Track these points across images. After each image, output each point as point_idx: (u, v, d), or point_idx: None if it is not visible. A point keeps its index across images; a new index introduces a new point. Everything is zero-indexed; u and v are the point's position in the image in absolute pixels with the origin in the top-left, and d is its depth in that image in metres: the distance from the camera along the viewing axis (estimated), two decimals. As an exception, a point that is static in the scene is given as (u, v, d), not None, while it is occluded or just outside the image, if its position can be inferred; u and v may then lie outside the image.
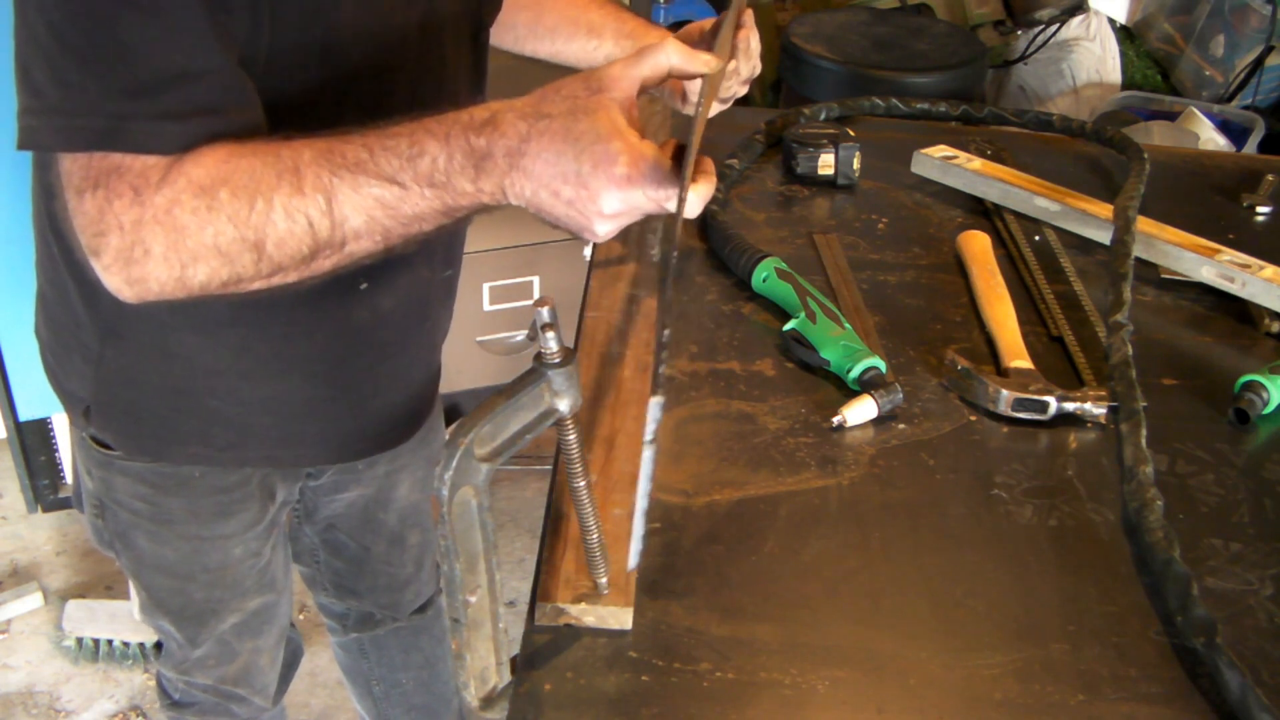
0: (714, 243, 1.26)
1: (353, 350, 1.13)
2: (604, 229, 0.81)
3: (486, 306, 2.53)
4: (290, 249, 0.81)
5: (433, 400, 1.34)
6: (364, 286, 1.07)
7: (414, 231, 0.83)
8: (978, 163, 1.42)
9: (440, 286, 1.20)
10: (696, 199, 0.84)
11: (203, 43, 0.81)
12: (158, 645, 1.48)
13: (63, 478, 2.43)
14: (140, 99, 0.80)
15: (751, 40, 1.28)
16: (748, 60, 1.28)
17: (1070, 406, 1.03)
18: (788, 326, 1.10)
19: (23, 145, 0.82)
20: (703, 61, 0.87)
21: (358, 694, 1.66)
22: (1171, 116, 2.70)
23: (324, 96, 0.93)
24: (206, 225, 0.80)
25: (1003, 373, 1.08)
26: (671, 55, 0.85)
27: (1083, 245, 1.32)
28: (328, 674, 2.17)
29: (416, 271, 1.13)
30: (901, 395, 1.03)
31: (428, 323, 1.21)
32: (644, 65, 0.84)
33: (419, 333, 1.20)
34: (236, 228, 0.80)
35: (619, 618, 0.81)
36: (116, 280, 0.82)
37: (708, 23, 1.23)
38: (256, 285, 0.84)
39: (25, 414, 2.25)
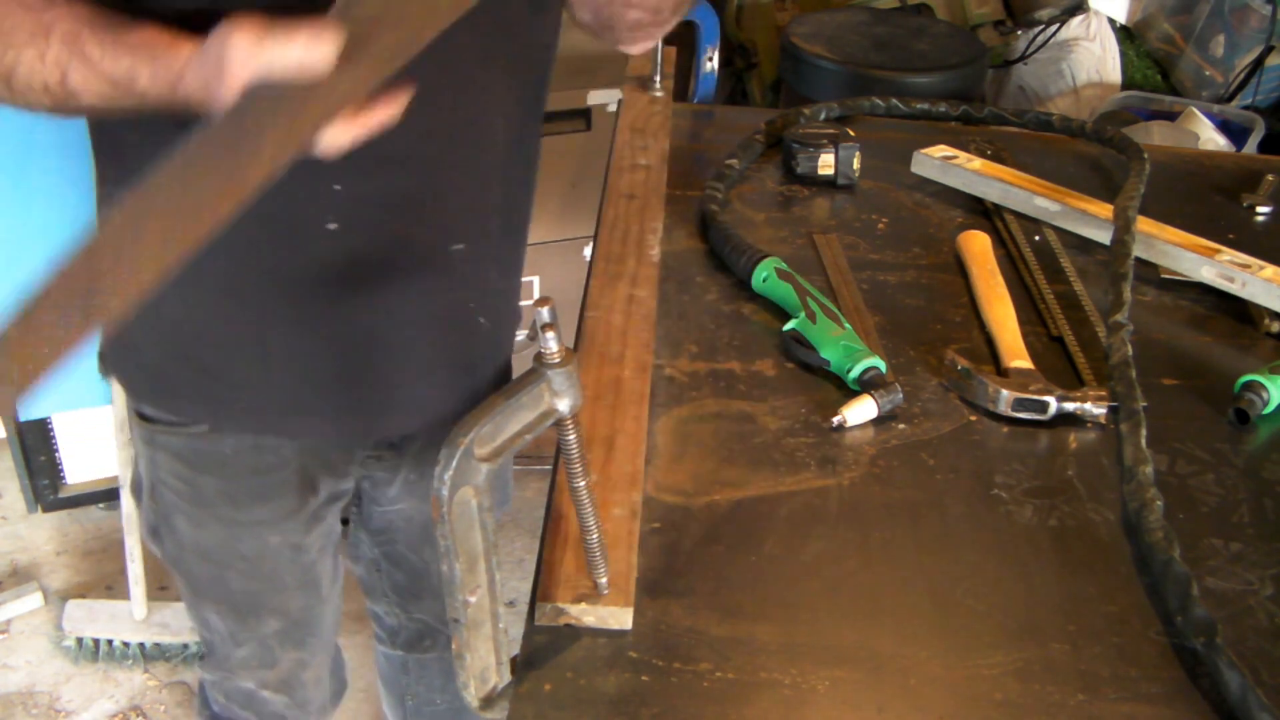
0: (714, 243, 1.26)
1: (330, 304, 1.06)
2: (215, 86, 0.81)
3: (486, 306, 2.52)
4: (30, 95, 0.89)
5: (462, 403, 1.21)
6: (332, 226, 1.02)
7: (123, 98, 0.87)
8: (978, 163, 1.42)
9: (445, 260, 1.10)
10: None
11: None
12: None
13: (63, 478, 2.44)
14: None
15: None
16: None
17: (1070, 406, 1.03)
18: (788, 326, 1.10)
19: None
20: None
21: (390, 701, 1.64)
22: (1171, 116, 2.70)
23: None
24: None
25: (1003, 373, 1.08)
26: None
27: (1083, 245, 1.32)
28: (328, 674, 2.17)
29: (401, 223, 1.05)
30: (901, 395, 1.03)
31: (425, 296, 1.11)
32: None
33: (415, 304, 1.10)
34: None
35: (619, 618, 0.81)
36: None
37: None
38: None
39: (25, 414, 2.25)
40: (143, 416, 1.17)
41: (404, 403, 1.17)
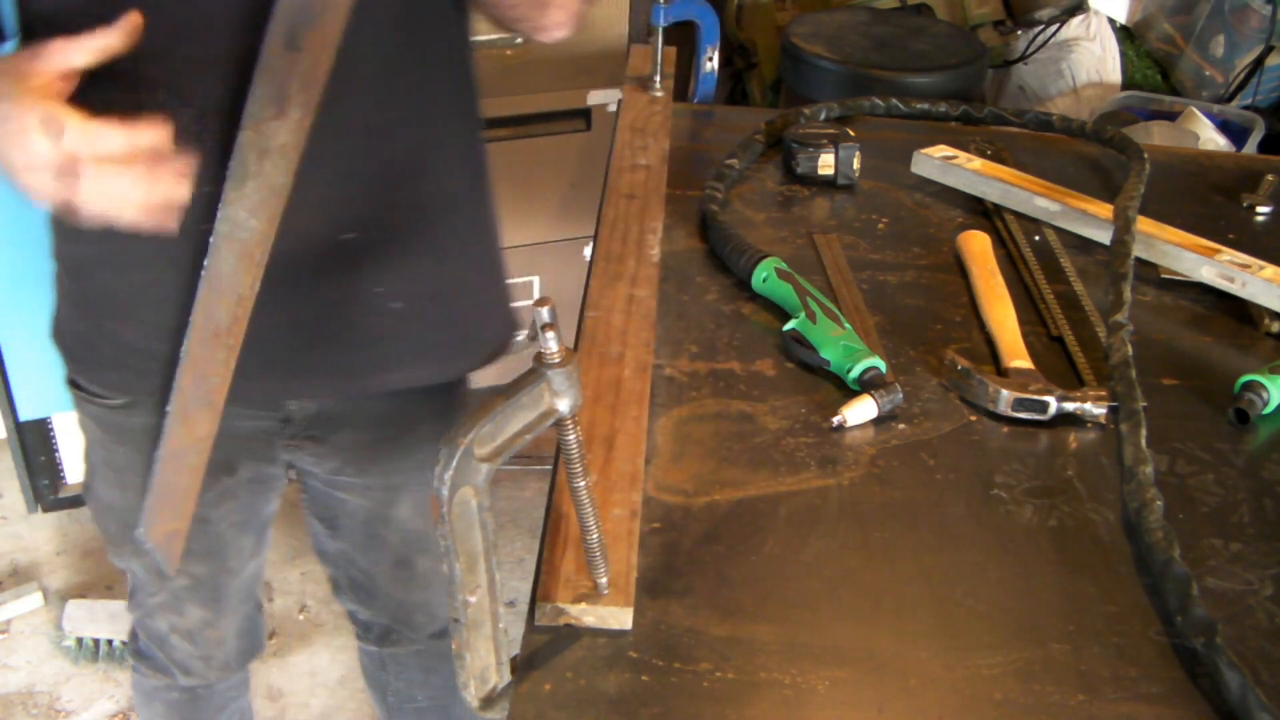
0: (714, 243, 1.26)
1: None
2: (28, 184, 0.87)
3: (486, 306, 2.53)
4: None
5: (375, 383, 1.23)
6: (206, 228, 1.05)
7: None
8: (978, 163, 1.42)
9: (340, 249, 1.11)
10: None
11: None
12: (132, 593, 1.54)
13: (63, 478, 2.44)
14: None
15: None
16: None
17: (1070, 406, 1.03)
18: (788, 326, 1.10)
19: None
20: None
21: (375, 697, 1.66)
22: (1171, 116, 2.70)
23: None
24: None
25: (1003, 373, 1.08)
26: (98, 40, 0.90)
27: (1083, 245, 1.32)
28: (328, 674, 2.17)
29: (304, 216, 1.06)
30: (901, 395, 1.03)
31: (324, 283, 1.12)
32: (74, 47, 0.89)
33: (313, 289, 1.12)
34: None
35: (619, 618, 0.81)
36: None
37: None
38: None
39: (25, 414, 2.25)
40: (73, 384, 1.24)
41: (309, 386, 1.21)
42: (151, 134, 0.88)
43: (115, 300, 1.14)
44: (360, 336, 1.18)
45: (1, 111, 0.86)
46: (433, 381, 1.26)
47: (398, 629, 1.51)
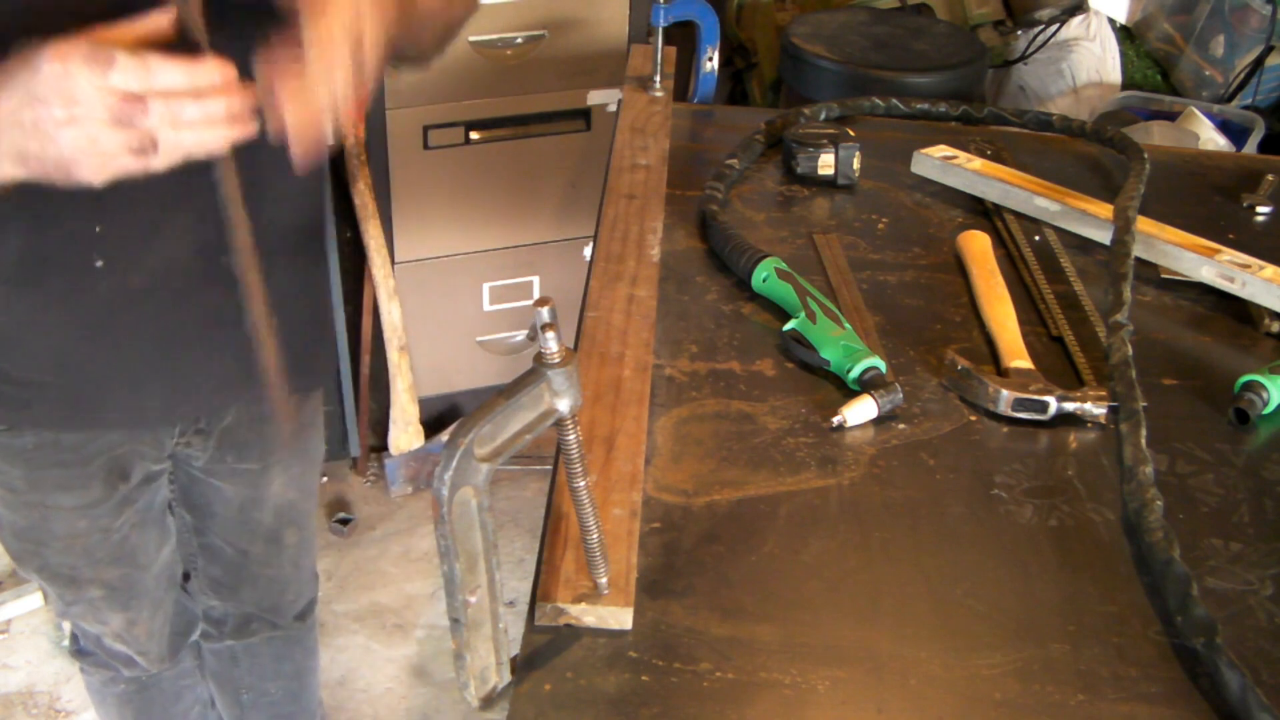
0: (714, 243, 1.26)
1: (110, 318, 1.11)
2: (68, 140, 0.77)
3: (486, 306, 2.53)
4: None
5: (256, 382, 1.22)
6: (99, 264, 1.07)
7: None
8: (978, 163, 1.42)
9: (216, 272, 1.10)
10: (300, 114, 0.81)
11: None
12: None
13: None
14: None
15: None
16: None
17: (1070, 406, 1.03)
18: (788, 326, 1.10)
19: None
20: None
21: (224, 701, 1.65)
22: (1171, 116, 2.70)
23: None
24: None
25: (1003, 373, 1.08)
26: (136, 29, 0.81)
27: (1083, 245, 1.32)
28: (328, 674, 2.17)
29: (166, 250, 1.09)
30: (901, 395, 1.03)
31: (202, 301, 1.15)
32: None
33: (191, 308, 1.15)
34: None
35: (619, 618, 0.81)
36: None
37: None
38: None
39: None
40: None
41: (197, 391, 1.22)
42: (213, 68, 0.81)
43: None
44: (241, 342, 1.17)
45: (34, 71, 0.77)
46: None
47: (260, 615, 1.53)
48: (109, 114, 0.77)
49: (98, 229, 1.05)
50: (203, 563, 1.49)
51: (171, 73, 0.78)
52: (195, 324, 1.17)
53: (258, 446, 1.35)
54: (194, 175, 1.01)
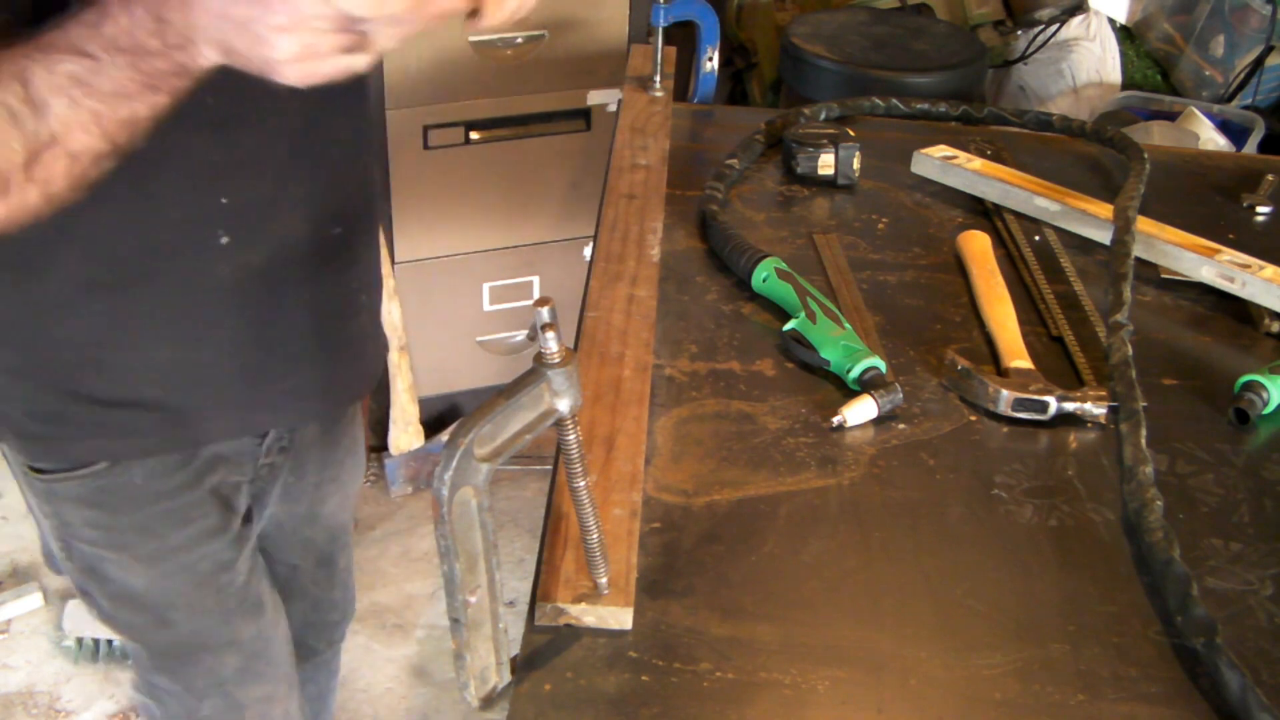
0: (714, 243, 1.26)
1: (226, 310, 1.06)
2: (284, 46, 0.69)
3: (486, 306, 2.53)
4: (3, 149, 0.73)
5: (357, 382, 1.25)
6: (224, 240, 1.01)
7: (127, 115, 0.74)
8: (978, 163, 1.42)
9: (328, 246, 1.11)
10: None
11: None
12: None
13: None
14: None
15: None
16: None
17: (1070, 406, 1.03)
18: (788, 326, 1.10)
19: None
20: None
21: None
22: (1171, 116, 2.70)
23: None
24: None
25: (1003, 373, 1.08)
26: None
27: (1083, 245, 1.32)
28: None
29: (285, 222, 1.05)
30: (901, 395, 1.03)
31: (316, 285, 1.11)
32: None
33: (307, 294, 1.11)
34: None
35: (619, 618, 0.81)
36: None
37: None
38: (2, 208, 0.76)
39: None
40: (36, 470, 1.10)
41: (301, 388, 1.16)
42: None
43: (91, 351, 1.04)
44: (349, 338, 1.19)
45: None
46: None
47: (309, 638, 1.46)
48: (333, 25, 0.70)
49: (223, 200, 0.99)
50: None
51: None
52: (304, 308, 1.11)
53: (318, 460, 1.29)
54: (310, 138, 1.03)
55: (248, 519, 1.23)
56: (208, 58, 0.73)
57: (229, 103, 0.93)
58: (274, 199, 1.04)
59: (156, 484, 1.12)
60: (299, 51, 0.70)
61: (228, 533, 1.19)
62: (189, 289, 1.03)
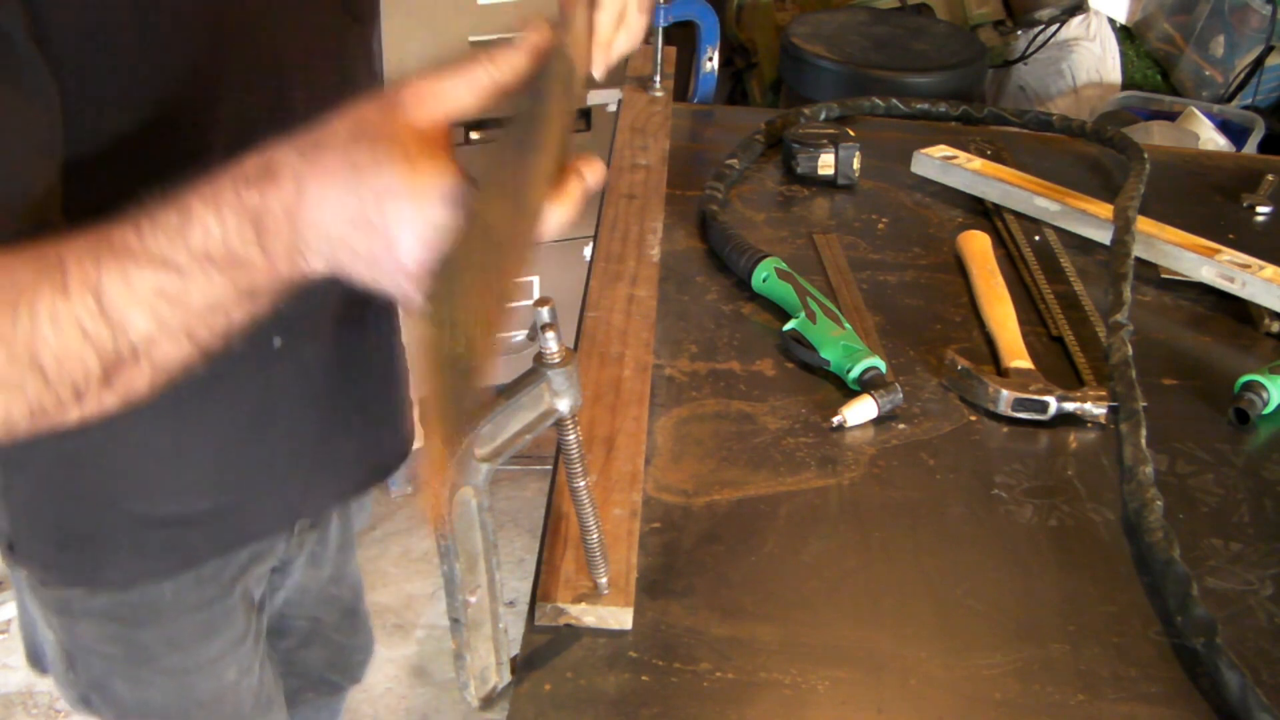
0: (714, 243, 1.26)
1: (278, 410, 1.01)
2: (412, 291, 0.63)
3: (486, 307, 2.52)
4: (74, 366, 0.65)
5: (398, 450, 1.21)
6: (278, 343, 0.96)
7: (221, 324, 0.67)
8: (978, 163, 1.42)
9: (377, 329, 1.10)
10: (561, 214, 0.68)
11: None
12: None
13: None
14: None
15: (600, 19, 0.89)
16: (626, 32, 0.94)
17: (1070, 406, 1.03)
18: (788, 326, 1.10)
19: None
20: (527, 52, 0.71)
21: None
22: (1171, 116, 2.70)
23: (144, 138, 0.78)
24: None
25: (1003, 373, 1.08)
26: (493, 70, 0.69)
27: (1083, 245, 1.32)
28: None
29: (334, 315, 1.01)
30: (901, 395, 1.03)
31: (364, 368, 1.10)
32: (458, 84, 0.67)
33: (356, 377, 1.09)
34: (6, 347, 0.64)
35: (619, 618, 0.81)
36: None
37: None
38: (75, 414, 0.68)
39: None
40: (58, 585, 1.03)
41: (346, 469, 1.13)
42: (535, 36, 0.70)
43: (136, 470, 0.96)
44: (391, 411, 1.16)
45: (371, 184, 0.62)
46: (413, 440, 1.23)
47: (332, 675, 1.44)
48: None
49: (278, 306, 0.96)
50: (270, 646, 1.29)
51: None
52: (351, 391, 1.07)
53: (343, 524, 1.27)
54: None
55: (261, 607, 1.17)
56: (317, 269, 0.66)
57: None
58: (325, 298, 0.97)
59: (188, 596, 1.05)
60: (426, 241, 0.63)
61: (250, 635, 1.14)
62: (243, 396, 0.98)
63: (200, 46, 0.80)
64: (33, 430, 0.68)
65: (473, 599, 0.74)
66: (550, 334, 0.71)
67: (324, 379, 1.04)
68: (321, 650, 1.39)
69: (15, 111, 0.70)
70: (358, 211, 0.61)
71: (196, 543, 1.02)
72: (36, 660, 1.15)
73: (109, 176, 0.74)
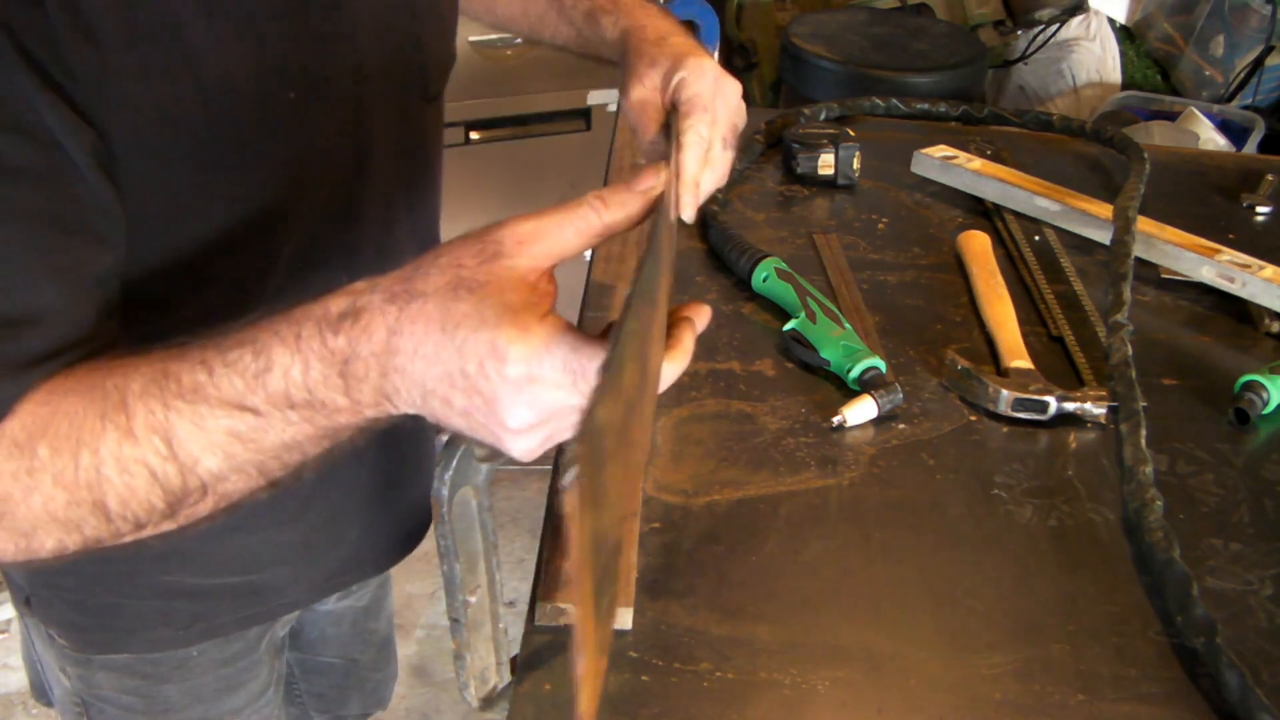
0: (714, 243, 1.26)
1: (313, 489, 0.97)
2: (521, 445, 0.59)
3: (486, 307, 2.53)
4: (139, 505, 0.64)
5: (426, 518, 1.18)
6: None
7: (298, 460, 0.65)
8: (978, 163, 1.42)
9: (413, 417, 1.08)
10: (676, 369, 0.65)
11: (38, 280, 0.65)
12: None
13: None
14: None
15: (713, 151, 0.95)
16: (712, 171, 0.97)
17: (1070, 406, 1.03)
18: (788, 326, 1.10)
19: None
20: (640, 197, 0.66)
21: None
22: (1171, 116, 2.70)
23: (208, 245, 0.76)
24: (32, 492, 0.63)
25: (1003, 373, 1.08)
26: (604, 213, 0.64)
27: (1083, 245, 1.32)
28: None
29: None
30: (901, 395, 1.03)
31: (399, 439, 1.06)
32: (565, 227, 0.63)
33: (392, 450, 1.06)
34: (66, 490, 0.63)
35: (619, 618, 0.81)
36: None
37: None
38: (130, 538, 0.67)
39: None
40: (77, 644, 1.00)
41: (382, 549, 1.13)
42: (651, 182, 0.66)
43: (164, 543, 0.92)
44: (424, 473, 1.13)
45: (473, 344, 0.57)
46: None
47: (367, 709, 1.43)
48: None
49: None
50: (303, 679, 1.31)
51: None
52: (386, 466, 1.03)
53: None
54: None
55: (281, 650, 1.16)
56: (405, 413, 0.63)
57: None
58: None
59: (214, 653, 1.03)
60: (537, 445, 0.60)
61: (272, 685, 1.12)
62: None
63: (279, 166, 0.77)
64: (87, 551, 0.67)
65: (473, 599, 0.74)
66: (550, 334, 0.71)
67: (366, 461, 1.01)
68: (358, 693, 1.38)
69: (88, 259, 0.68)
70: (457, 368, 0.57)
71: (223, 614, 0.99)
72: (41, 694, 1.12)
73: (168, 289, 0.72)
